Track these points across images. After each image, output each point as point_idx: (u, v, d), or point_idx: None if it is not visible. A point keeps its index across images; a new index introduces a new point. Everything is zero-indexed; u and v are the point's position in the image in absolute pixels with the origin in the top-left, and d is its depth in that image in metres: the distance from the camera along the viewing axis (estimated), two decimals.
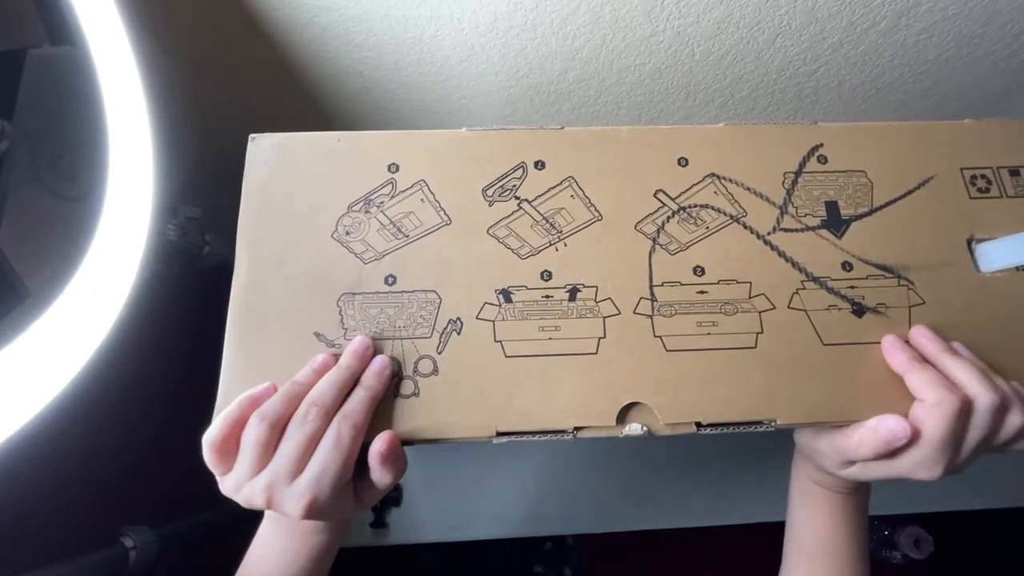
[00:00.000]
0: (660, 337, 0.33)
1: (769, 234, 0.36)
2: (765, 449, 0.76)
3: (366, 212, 0.36)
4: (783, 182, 0.37)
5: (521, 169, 0.37)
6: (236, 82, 0.58)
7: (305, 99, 0.60)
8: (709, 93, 0.61)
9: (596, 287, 0.34)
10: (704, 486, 0.78)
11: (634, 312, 0.34)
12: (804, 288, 0.35)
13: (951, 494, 0.79)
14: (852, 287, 0.35)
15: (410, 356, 0.33)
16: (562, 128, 0.38)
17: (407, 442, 0.32)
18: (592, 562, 0.92)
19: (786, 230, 0.36)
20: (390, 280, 0.34)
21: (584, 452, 0.80)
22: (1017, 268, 0.35)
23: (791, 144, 0.38)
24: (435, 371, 0.32)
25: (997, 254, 0.35)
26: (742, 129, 0.38)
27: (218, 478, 0.30)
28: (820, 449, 0.35)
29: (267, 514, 0.34)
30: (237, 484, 0.29)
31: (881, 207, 0.37)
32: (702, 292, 0.35)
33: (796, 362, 0.33)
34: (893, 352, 0.33)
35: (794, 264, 0.35)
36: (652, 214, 0.36)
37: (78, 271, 0.33)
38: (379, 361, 0.32)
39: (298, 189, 0.36)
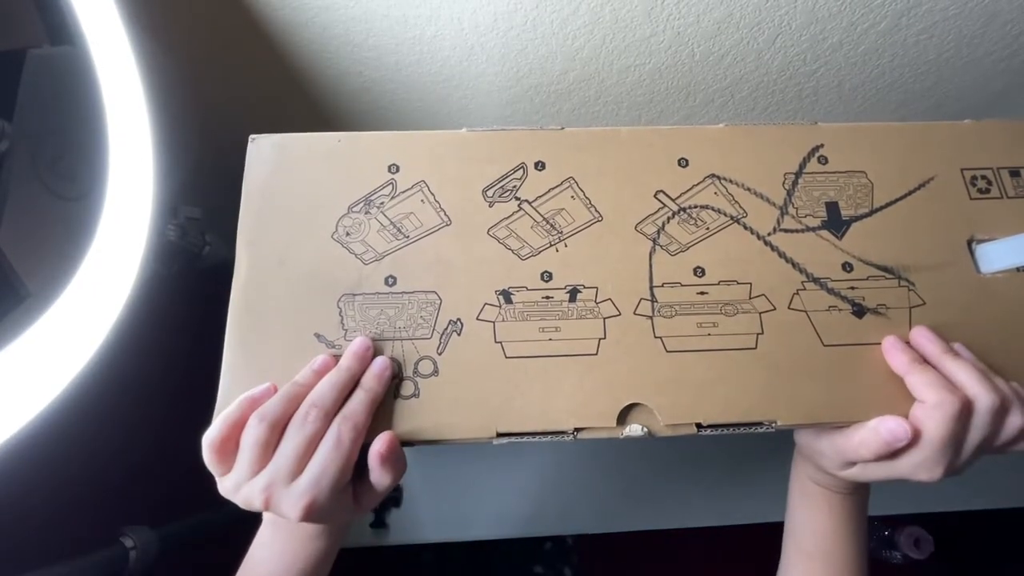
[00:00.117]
0: (660, 338, 0.33)
1: (769, 235, 0.36)
2: (765, 450, 0.76)
3: (366, 213, 0.36)
4: (783, 183, 0.37)
5: (521, 170, 0.37)
6: (236, 82, 0.58)
7: (305, 99, 0.60)
8: (709, 93, 0.61)
9: (596, 288, 0.34)
10: (704, 486, 0.78)
11: (634, 313, 0.34)
12: (804, 289, 0.35)
13: (951, 494, 0.79)
14: (852, 288, 0.35)
15: (410, 357, 0.33)
16: (562, 129, 0.38)
17: (407, 443, 0.32)
18: (592, 562, 0.92)
19: (786, 231, 0.36)
20: (390, 281, 0.34)
21: (584, 453, 0.80)
22: (1017, 269, 0.35)
23: (791, 145, 0.38)
24: (435, 372, 0.32)
25: (997, 255, 0.35)
26: (742, 130, 0.38)
27: (217, 479, 0.30)
28: (820, 450, 0.35)
29: (265, 518, 0.34)
30: (236, 484, 0.29)
31: (881, 208, 0.37)
32: (702, 293, 0.35)
33: (796, 363, 0.33)
34: (894, 353, 0.33)
35: (794, 265, 0.35)
36: (652, 215, 0.36)
37: (78, 271, 0.33)
38: (379, 363, 0.32)
39: (298, 190, 0.36)
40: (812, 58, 0.57)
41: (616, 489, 0.78)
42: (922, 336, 0.33)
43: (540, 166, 0.37)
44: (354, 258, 0.35)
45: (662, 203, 0.36)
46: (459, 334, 0.33)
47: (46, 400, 0.30)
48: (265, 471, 0.28)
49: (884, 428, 0.30)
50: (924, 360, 0.32)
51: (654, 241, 0.36)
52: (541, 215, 0.36)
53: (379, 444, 0.30)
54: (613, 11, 0.50)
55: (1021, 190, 0.37)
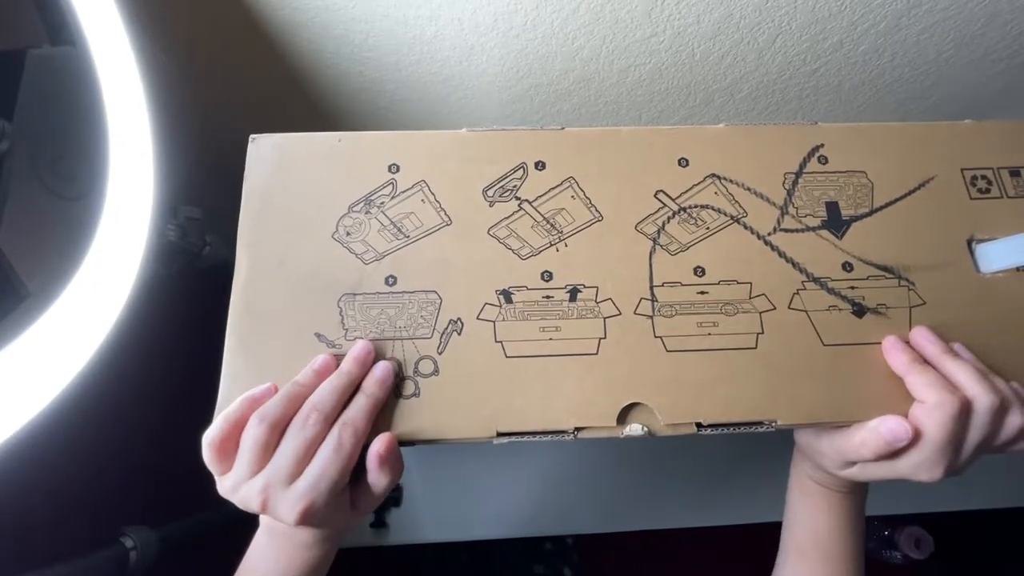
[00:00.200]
0: (660, 338, 0.33)
1: (769, 234, 0.36)
2: (767, 449, 0.76)
3: (366, 212, 0.36)
4: (783, 182, 0.37)
5: (521, 169, 0.37)
6: (236, 82, 0.58)
7: (305, 99, 0.60)
8: (709, 93, 0.61)
9: (596, 287, 0.34)
10: (704, 486, 0.78)
11: (635, 312, 0.34)
12: (804, 289, 0.35)
13: (951, 494, 0.79)
14: (852, 288, 0.35)
15: (411, 356, 0.33)
16: (562, 128, 0.38)
17: (407, 442, 0.32)
18: (592, 562, 0.92)
19: (786, 230, 0.36)
20: (391, 280, 0.34)
21: (584, 452, 0.80)
22: (1017, 269, 0.35)
23: (791, 144, 0.38)
24: (436, 371, 0.32)
25: (997, 255, 0.35)
26: (742, 129, 0.38)
27: (216, 478, 0.30)
28: (821, 449, 0.35)
29: (262, 524, 0.34)
30: (235, 485, 0.29)
31: (881, 207, 0.37)
32: (702, 292, 0.35)
33: (796, 363, 0.33)
34: (894, 353, 0.33)
35: (794, 265, 0.35)
36: (652, 214, 0.36)
37: (78, 271, 0.33)
38: (382, 367, 0.32)
39: (298, 190, 0.36)
40: (812, 58, 0.57)
41: (616, 489, 0.78)
42: (922, 336, 0.33)
43: (540, 166, 0.37)
44: (354, 258, 0.35)
45: (662, 203, 0.36)
46: (459, 334, 0.33)
47: (46, 400, 0.30)
48: (264, 472, 0.28)
49: (885, 428, 0.30)
50: (924, 360, 0.32)
51: (654, 241, 0.36)
52: (541, 215, 0.36)
53: (378, 445, 0.30)
54: (613, 11, 0.50)
55: (1021, 190, 0.37)
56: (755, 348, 0.33)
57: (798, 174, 0.37)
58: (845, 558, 0.39)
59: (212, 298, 0.38)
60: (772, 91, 0.61)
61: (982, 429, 0.30)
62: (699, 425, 0.32)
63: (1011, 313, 0.35)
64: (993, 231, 0.36)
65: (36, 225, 0.33)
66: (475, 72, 0.57)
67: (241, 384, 0.31)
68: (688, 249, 0.35)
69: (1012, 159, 0.38)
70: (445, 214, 0.36)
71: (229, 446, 0.29)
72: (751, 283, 0.35)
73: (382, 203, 0.36)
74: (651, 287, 0.35)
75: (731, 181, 0.37)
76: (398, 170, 0.36)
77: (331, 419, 0.29)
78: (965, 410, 0.30)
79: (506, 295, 0.34)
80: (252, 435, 0.28)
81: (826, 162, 0.37)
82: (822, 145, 0.38)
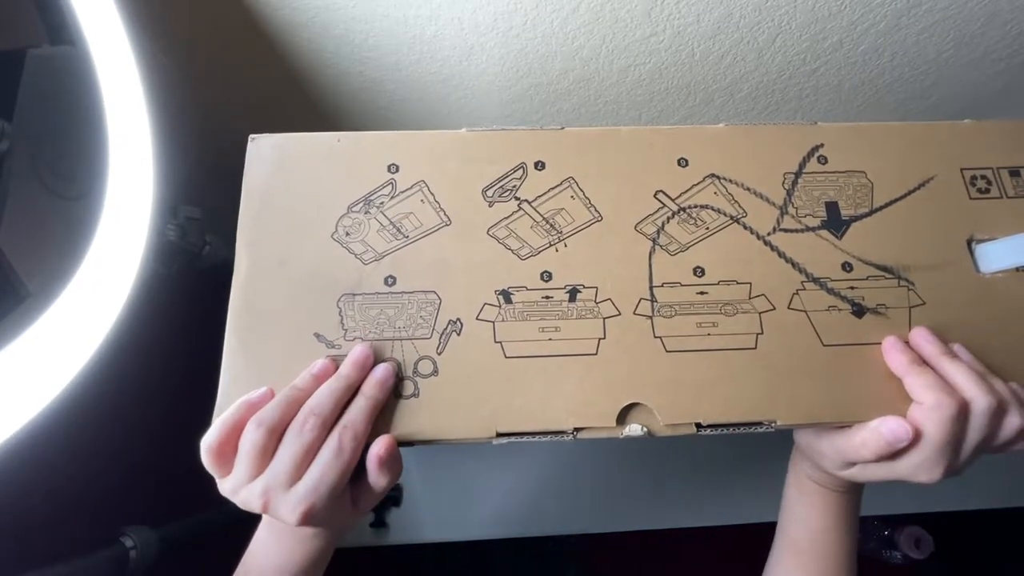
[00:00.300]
0: (660, 338, 0.33)
1: (769, 235, 0.36)
2: (767, 449, 0.76)
3: (366, 213, 0.36)
4: (783, 182, 0.37)
5: (521, 169, 0.37)
6: (236, 82, 0.58)
7: (305, 99, 0.60)
8: (709, 93, 0.61)
9: (596, 288, 0.34)
10: (705, 486, 0.78)
11: (634, 313, 0.34)
12: (804, 289, 0.35)
13: (951, 494, 0.79)
14: (852, 288, 0.35)
15: (410, 357, 0.33)
16: (562, 128, 0.38)
17: (407, 443, 0.32)
18: (592, 561, 0.92)
19: (786, 231, 0.36)
20: (390, 281, 0.34)
21: (584, 453, 0.80)
22: (1017, 269, 0.35)
23: (791, 144, 0.38)
24: (435, 372, 0.32)
25: (997, 255, 0.35)
26: (742, 129, 0.38)
27: (217, 480, 0.30)
28: (821, 450, 0.35)
29: (264, 517, 0.34)
30: (235, 487, 0.29)
31: (881, 207, 0.37)
32: (702, 293, 0.35)
33: (796, 363, 0.33)
34: (893, 354, 0.33)
35: (794, 265, 0.35)
36: (652, 215, 0.36)
37: (78, 271, 0.33)
38: (382, 370, 0.32)
39: (298, 190, 0.36)
40: (812, 58, 0.57)
41: (616, 489, 0.78)
42: (921, 337, 0.33)
43: (540, 166, 0.37)
44: (354, 258, 0.35)
45: (662, 203, 0.36)
46: (459, 334, 0.33)
47: (46, 400, 0.30)
48: (263, 476, 0.28)
49: (886, 428, 0.30)
50: (923, 361, 0.32)
51: (654, 241, 0.36)
52: (541, 215, 0.36)
53: (378, 447, 0.30)
54: (613, 11, 0.50)
55: (1021, 190, 0.37)
56: (755, 348, 0.33)
57: (798, 174, 0.37)
58: (839, 556, 0.39)
59: (212, 298, 0.38)
60: (772, 91, 0.61)
61: (980, 430, 0.30)
62: (698, 425, 0.32)
63: (1011, 313, 0.35)
64: (993, 231, 0.36)
65: (36, 225, 0.33)
66: (475, 72, 0.57)
67: (241, 384, 0.31)
68: (688, 249, 0.35)
69: (1012, 159, 0.38)
70: (444, 214, 0.36)
71: (227, 450, 0.29)
72: (751, 283, 0.35)
73: (381, 203, 0.36)
74: (651, 287, 0.35)
75: (731, 181, 0.37)
76: (398, 170, 0.36)
77: (329, 423, 0.29)
78: (963, 411, 0.30)
79: (505, 295, 0.34)
80: (250, 440, 0.28)
81: (826, 162, 0.37)
82: (822, 145, 0.38)
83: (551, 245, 0.35)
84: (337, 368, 0.32)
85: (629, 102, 0.62)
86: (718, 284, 0.35)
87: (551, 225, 0.36)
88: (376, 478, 0.31)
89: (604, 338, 0.33)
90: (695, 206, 0.36)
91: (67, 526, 0.48)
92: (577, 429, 0.32)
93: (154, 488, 0.59)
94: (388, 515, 0.75)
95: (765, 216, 0.36)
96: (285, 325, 0.33)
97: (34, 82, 0.33)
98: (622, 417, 0.32)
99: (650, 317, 0.34)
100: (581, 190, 0.36)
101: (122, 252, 0.35)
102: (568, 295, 0.34)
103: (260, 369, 0.32)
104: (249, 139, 0.37)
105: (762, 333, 0.34)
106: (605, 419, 0.32)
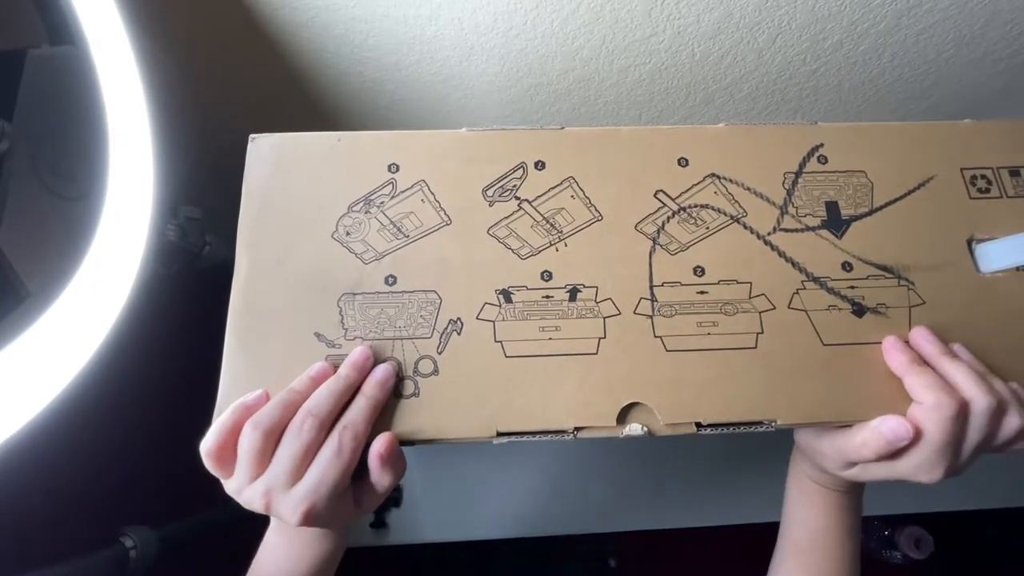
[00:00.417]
0: (660, 337, 0.33)
1: (769, 234, 0.36)
2: (769, 449, 0.76)
3: (366, 212, 0.36)
4: (783, 182, 0.37)
5: (521, 169, 0.37)
6: (236, 82, 0.58)
7: (305, 99, 0.60)
8: (709, 93, 0.61)
9: (596, 287, 0.34)
10: (707, 486, 0.78)
11: (634, 312, 0.34)
12: (804, 288, 0.35)
13: (951, 494, 0.79)
14: (852, 287, 0.35)
15: (410, 356, 0.33)
16: (562, 128, 0.38)
17: (407, 442, 0.32)
18: (593, 562, 0.92)
19: (786, 230, 0.36)
20: (390, 280, 0.34)
21: (585, 452, 0.80)
22: (1017, 268, 0.35)
23: (791, 144, 0.38)
24: (435, 371, 0.32)
25: (997, 254, 0.35)
26: (742, 129, 0.38)
27: (222, 481, 0.30)
28: (821, 450, 0.35)
29: (272, 522, 0.34)
30: (238, 488, 0.29)
31: (881, 207, 0.37)
32: (702, 292, 0.35)
33: (796, 362, 0.33)
34: (893, 353, 0.33)
35: (794, 264, 0.35)
36: (652, 214, 0.36)
37: (78, 271, 0.33)
38: (382, 370, 0.32)
39: (298, 189, 0.36)
40: (812, 58, 0.57)
41: (616, 489, 0.78)
42: (921, 337, 0.33)
43: (540, 166, 0.37)
44: (354, 257, 0.35)
45: (662, 202, 0.36)
46: (459, 333, 0.33)
47: (46, 400, 0.30)
48: (263, 477, 0.28)
49: (886, 427, 0.30)
50: (923, 361, 0.32)
51: (654, 240, 0.36)
52: (541, 214, 0.36)
53: (379, 445, 0.30)
54: (613, 11, 0.50)
55: (1021, 190, 0.37)
56: (755, 348, 0.33)
57: (798, 174, 0.37)
58: (843, 556, 0.39)
59: (212, 298, 0.38)
60: (772, 91, 0.61)
61: (980, 430, 0.30)
62: (699, 425, 0.32)
63: (1011, 313, 0.35)
64: (993, 231, 0.36)
65: (36, 225, 0.33)
66: (475, 72, 0.57)
67: (240, 384, 0.31)
68: (688, 249, 0.35)
69: (1012, 159, 0.38)
70: (445, 214, 0.36)
71: (227, 453, 0.29)
72: (751, 283, 0.35)
73: (382, 203, 0.36)
74: (651, 287, 0.35)
75: (731, 181, 0.37)
76: (398, 170, 0.36)
77: (327, 424, 0.29)
78: (963, 411, 0.30)
79: (506, 295, 0.34)
80: (247, 442, 0.28)
81: (826, 162, 0.37)
82: (822, 145, 0.38)
83: (551, 245, 0.35)
84: (336, 370, 0.32)
85: (629, 102, 0.62)
86: (718, 284, 0.35)
87: (551, 225, 0.36)
88: (378, 476, 0.31)
89: (604, 337, 0.33)
90: (695, 206, 0.36)
91: (67, 526, 0.48)
92: (577, 429, 0.32)
93: (154, 488, 0.59)
94: (388, 515, 0.75)
95: (765, 216, 0.36)
96: (285, 325, 0.33)
97: (34, 82, 0.33)
98: (622, 417, 0.32)
99: (650, 316, 0.34)
100: (581, 190, 0.36)
101: (122, 252, 0.35)
102: (568, 294, 0.34)
103: (260, 369, 0.32)
104: (249, 139, 0.37)
105: (762, 333, 0.34)
106: (605, 419, 0.32)
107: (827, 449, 0.34)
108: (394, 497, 0.75)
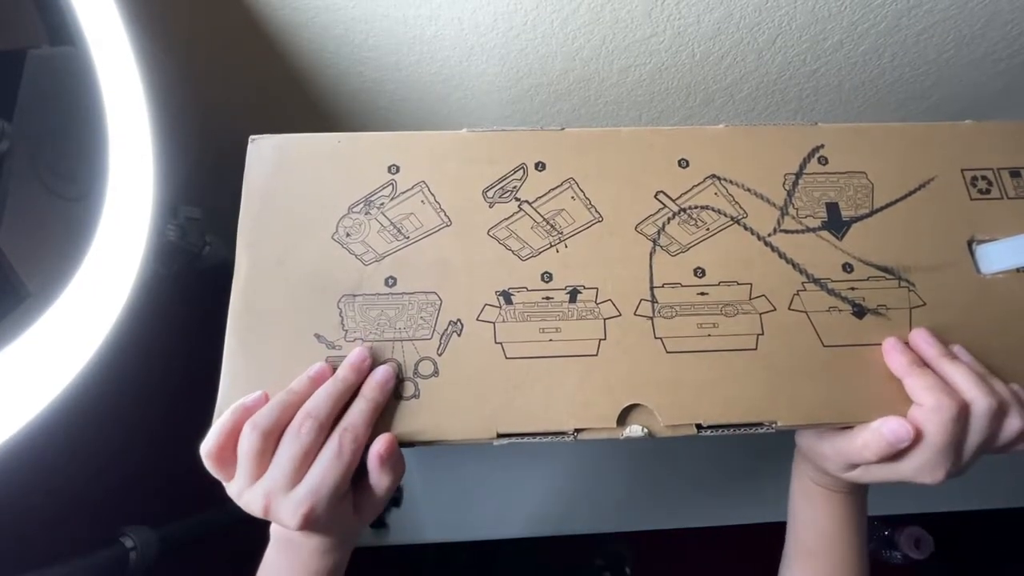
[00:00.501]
0: (660, 339, 0.33)
1: (770, 235, 0.36)
2: (772, 448, 0.76)
3: (366, 213, 0.36)
4: (784, 183, 0.37)
5: (521, 170, 0.37)
6: (236, 82, 0.58)
7: (305, 99, 0.60)
8: (709, 94, 0.61)
9: (596, 289, 0.34)
10: (709, 486, 0.78)
11: (635, 314, 0.34)
12: (805, 289, 0.35)
13: (951, 494, 0.79)
14: (853, 288, 0.35)
15: (410, 358, 0.33)
16: (562, 129, 0.38)
17: (407, 443, 0.32)
18: (595, 562, 0.92)
19: (787, 231, 0.36)
20: (390, 281, 0.34)
21: (585, 453, 0.80)
22: (1018, 270, 0.35)
23: (792, 145, 0.38)
24: (435, 373, 0.32)
25: (998, 255, 0.35)
26: (743, 130, 0.38)
27: (224, 483, 0.30)
28: (823, 452, 0.35)
29: (271, 537, 0.34)
30: (239, 492, 0.29)
31: (882, 208, 0.37)
32: (703, 293, 0.34)
33: (797, 364, 0.33)
34: (893, 355, 0.33)
35: (795, 265, 0.35)
36: (653, 215, 0.36)
37: (78, 271, 0.33)
38: (382, 372, 0.31)
39: (298, 190, 0.36)
40: (812, 58, 0.57)
41: (617, 489, 0.78)
42: (921, 338, 0.33)
43: (540, 166, 0.37)
44: (354, 259, 0.35)
45: (662, 204, 0.36)
46: (459, 335, 0.33)
47: (46, 400, 0.30)
48: (263, 479, 0.28)
49: (887, 428, 0.30)
50: (923, 362, 0.32)
51: (654, 242, 0.35)
52: (541, 216, 0.36)
53: (379, 445, 0.30)
54: (613, 11, 0.50)
55: (1021, 191, 0.37)
56: (755, 349, 0.33)
57: (798, 175, 0.37)
58: (850, 556, 0.39)
59: (212, 298, 0.38)
60: (772, 91, 0.61)
61: (981, 432, 0.30)
62: (699, 426, 0.32)
63: (1011, 314, 0.35)
64: (993, 232, 0.36)
65: (36, 225, 0.33)
66: (475, 72, 0.57)
67: (240, 384, 0.31)
68: (688, 250, 0.35)
69: (1012, 160, 0.38)
70: (445, 215, 0.36)
71: (227, 455, 0.29)
72: (751, 284, 0.35)
73: (382, 204, 0.36)
74: (651, 288, 0.35)
75: (731, 182, 0.37)
76: (398, 171, 0.36)
77: (326, 426, 0.29)
78: (963, 413, 0.30)
79: (506, 296, 0.34)
80: (246, 444, 0.28)
81: (826, 163, 0.37)
82: (822, 146, 0.38)
83: (551, 246, 0.35)
84: (335, 371, 0.31)
85: (629, 103, 0.62)
86: (719, 285, 0.35)
87: (551, 226, 0.36)
88: (378, 478, 0.31)
89: (604, 339, 0.33)
90: (696, 207, 0.36)
91: (67, 526, 0.48)
92: (578, 430, 0.32)
93: (154, 488, 0.59)
94: (388, 515, 0.75)
95: (766, 217, 0.36)
96: (285, 326, 0.33)
97: (34, 82, 0.33)
98: (623, 418, 0.32)
99: (651, 318, 0.34)
100: (581, 191, 0.36)
101: (122, 252, 0.35)
102: (568, 296, 0.34)
103: (260, 370, 0.32)
104: (249, 140, 0.37)
105: (763, 334, 0.34)
106: (606, 420, 0.32)
107: (828, 451, 0.34)
108: (394, 497, 0.75)
